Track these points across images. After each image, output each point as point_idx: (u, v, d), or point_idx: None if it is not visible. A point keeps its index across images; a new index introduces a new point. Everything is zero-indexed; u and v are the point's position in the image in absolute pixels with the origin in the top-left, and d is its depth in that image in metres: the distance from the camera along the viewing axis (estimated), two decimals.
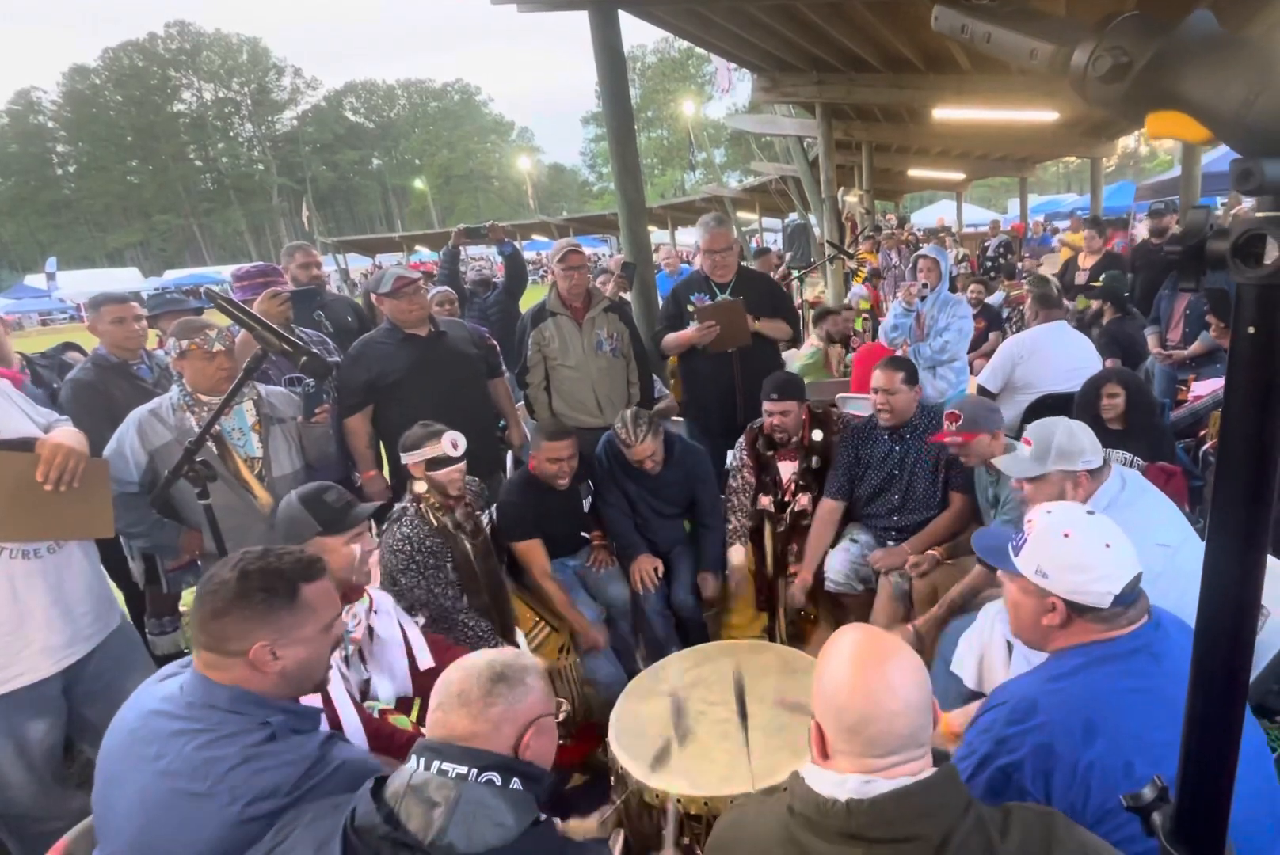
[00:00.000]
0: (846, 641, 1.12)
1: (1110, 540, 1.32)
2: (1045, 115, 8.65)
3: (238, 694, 1.27)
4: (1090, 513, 1.41)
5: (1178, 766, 0.70)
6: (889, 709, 1.02)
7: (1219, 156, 10.34)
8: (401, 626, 2.14)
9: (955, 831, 0.97)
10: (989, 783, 1.23)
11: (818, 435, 3.14)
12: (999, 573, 1.47)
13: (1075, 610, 1.31)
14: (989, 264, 10.71)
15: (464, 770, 1.08)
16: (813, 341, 5.46)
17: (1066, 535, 1.33)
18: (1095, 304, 5.12)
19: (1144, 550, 1.37)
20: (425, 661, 2.11)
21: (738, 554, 3.11)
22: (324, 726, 1.40)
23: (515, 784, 1.10)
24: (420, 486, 2.54)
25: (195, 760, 1.20)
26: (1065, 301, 5.24)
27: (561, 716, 1.31)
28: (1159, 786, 0.76)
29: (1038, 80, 7.74)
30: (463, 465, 2.56)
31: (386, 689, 2.05)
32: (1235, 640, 0.62)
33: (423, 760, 1.10)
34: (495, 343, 3.74)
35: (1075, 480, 2.03)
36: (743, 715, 1.82)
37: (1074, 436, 2.04)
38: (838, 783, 1.02)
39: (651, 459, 2.92)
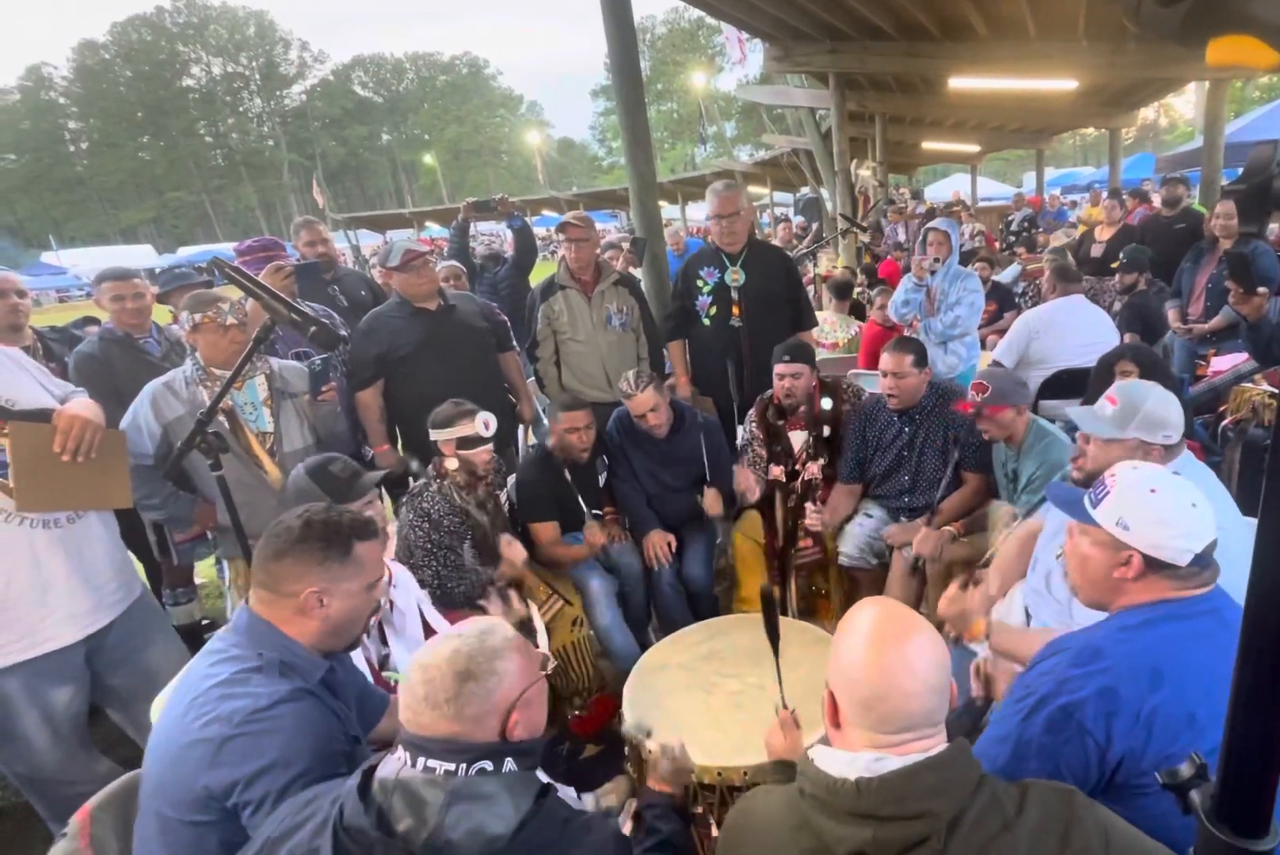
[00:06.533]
0: (868, 615, 1.09)
1: (1196, 500, 1.30)
2: (1064, 84, 8.44)
3: (258, 622, 1.36)
4: (1176, 473, 1.39)
5: (1221, 743, 0.67)
6: (904, 688, 1.00)
7: (1244, 126, 10.05)
8: (418, 601, 2.14)
9: (969, 809, 0.95)
10: (1048, 721, 1.22)
11: (827, 404, 3.11)
12: (1068, 524, 1.44)
13: (1151, 566, 1.29)
14: (1011, 239, 10.32)
15: (451, 767, 1.03)
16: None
17: (1154, 491, 1.31)
18: (1125, 278, 5.02)
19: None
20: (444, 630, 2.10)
21: (745, 474, 3.08)
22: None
23: (509, 766, 1.06)
24: (452, 464, 2.52)
25: (200, 674, 1.33)
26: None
27: (549, 670, 1.29)
28: (1197, 762, 0.73)
29: (1057, 47, 7.55)
30: (491, 445, 2.54)
31: (407, 661, 2.05)
32: None
33: (408, 755, 1.05)
34: (505, 318, 3.70)
35: (1147, 451, 1.90)
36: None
37: (1166, 407, 1.92)
38: (848, 761, 1.00)
39: (654, 414, 2.90)
